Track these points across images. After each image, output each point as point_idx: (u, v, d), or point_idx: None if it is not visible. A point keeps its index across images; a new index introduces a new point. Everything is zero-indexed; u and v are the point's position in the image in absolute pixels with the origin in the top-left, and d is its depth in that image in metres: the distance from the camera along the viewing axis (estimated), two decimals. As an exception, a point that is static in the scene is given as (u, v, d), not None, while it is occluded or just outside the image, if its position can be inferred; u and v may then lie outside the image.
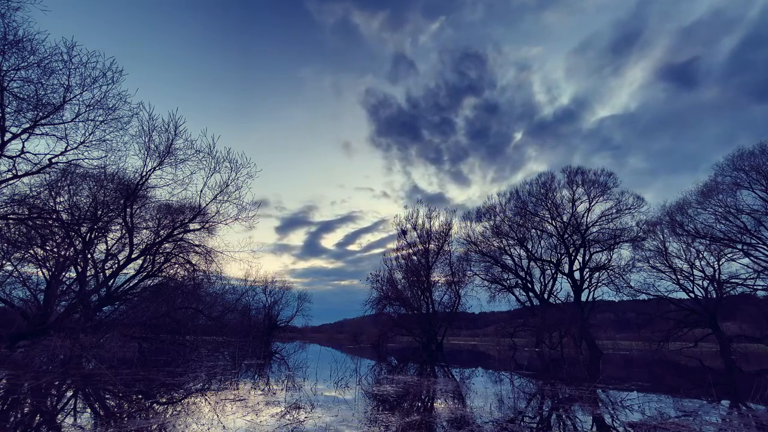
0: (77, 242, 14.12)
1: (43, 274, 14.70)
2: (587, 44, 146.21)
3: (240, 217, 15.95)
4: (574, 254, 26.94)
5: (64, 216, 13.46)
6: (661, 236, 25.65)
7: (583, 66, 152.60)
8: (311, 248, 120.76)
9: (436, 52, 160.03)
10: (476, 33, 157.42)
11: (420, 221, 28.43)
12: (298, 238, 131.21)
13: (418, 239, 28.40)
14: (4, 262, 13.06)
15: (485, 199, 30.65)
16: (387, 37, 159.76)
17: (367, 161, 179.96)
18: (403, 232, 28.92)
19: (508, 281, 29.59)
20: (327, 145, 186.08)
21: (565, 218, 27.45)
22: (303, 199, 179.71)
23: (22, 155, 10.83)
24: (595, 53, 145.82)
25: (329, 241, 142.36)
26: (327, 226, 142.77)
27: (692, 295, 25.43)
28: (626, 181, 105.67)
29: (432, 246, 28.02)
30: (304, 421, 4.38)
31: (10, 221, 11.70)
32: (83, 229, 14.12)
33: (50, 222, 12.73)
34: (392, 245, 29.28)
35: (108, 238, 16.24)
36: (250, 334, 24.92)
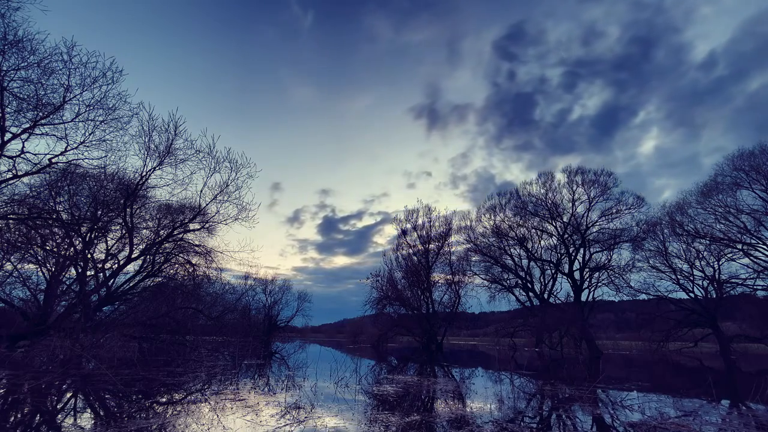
0: (77, 242, 14.12)
1: (43, 274, 14.70)
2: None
3: (240, 216, 15.98)
4: (574, 254, 26.94)
5: (64, 216, 13.45)
6: (661, 236, 25.62)
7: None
8: (356, 244, 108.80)
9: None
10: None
11: (420, 221, 28.52)
12: (341, 233, 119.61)
13: (418, 239, 28.48)
14: (4, 262, 13.06)
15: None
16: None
17: (448, 139, 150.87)
18: (403, 232, 28.98)
19: (508, 281, 29.58)
20: (399, 108, 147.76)
21: (565, 218, 27.45)
22: (358, 193, 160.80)
23: (22, 155, 10.83)
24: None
25: (380, 237, 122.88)
26: (382, 220, 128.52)
27: (692, 295, 25.41)
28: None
29: (432, 246, 28.08)
30: (304, 421, 4.38)
31: (10, 221, 11.70)
32: (83, 229, 14.11)
33: (50, 222, 12.73)
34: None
35: (108, 238, 16.22)
36: (250, 334, 24.92)
